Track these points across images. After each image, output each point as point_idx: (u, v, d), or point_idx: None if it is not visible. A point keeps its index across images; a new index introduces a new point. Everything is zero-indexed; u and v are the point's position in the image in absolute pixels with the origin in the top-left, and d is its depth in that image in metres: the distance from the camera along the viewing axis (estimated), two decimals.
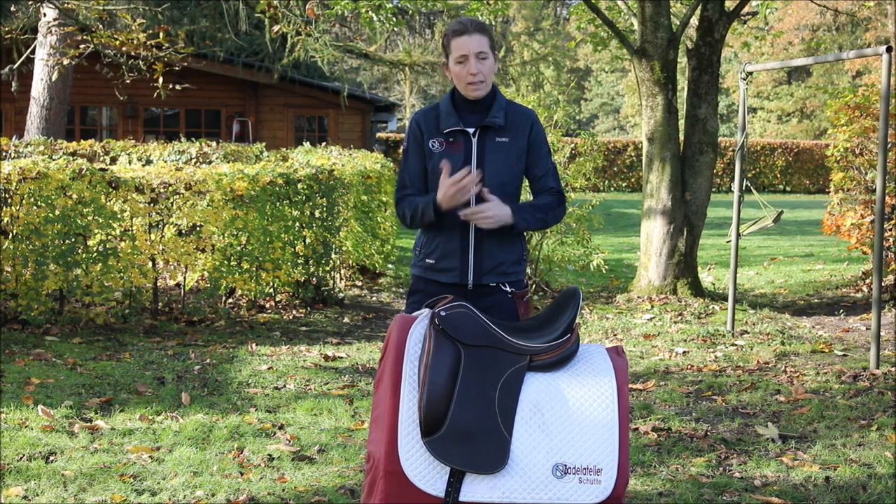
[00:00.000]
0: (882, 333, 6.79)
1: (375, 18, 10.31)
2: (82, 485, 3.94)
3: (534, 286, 9.22)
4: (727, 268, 9.77)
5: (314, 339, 7.25)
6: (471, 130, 3.31)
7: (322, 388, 5.69)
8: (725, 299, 8.40)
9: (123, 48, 9.88)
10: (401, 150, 3.53)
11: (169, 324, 7.45)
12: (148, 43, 9.79)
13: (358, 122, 22.17)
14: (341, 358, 6.56)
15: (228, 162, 12.02)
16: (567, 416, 2.76)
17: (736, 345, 7.09)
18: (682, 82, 11.07)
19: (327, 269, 8.53)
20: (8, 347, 6.47)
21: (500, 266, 3.32)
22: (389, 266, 10.87)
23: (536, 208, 3.33)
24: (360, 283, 9.86)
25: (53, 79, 13.68)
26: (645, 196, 9.08)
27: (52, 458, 4.28)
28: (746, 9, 10.53)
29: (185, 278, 7.83)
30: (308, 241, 8.20)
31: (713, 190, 10.03)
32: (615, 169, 27.54)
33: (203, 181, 7.47)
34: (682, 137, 9.14)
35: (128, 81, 10.57)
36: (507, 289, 3.33)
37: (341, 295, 8.85)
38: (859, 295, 9.50)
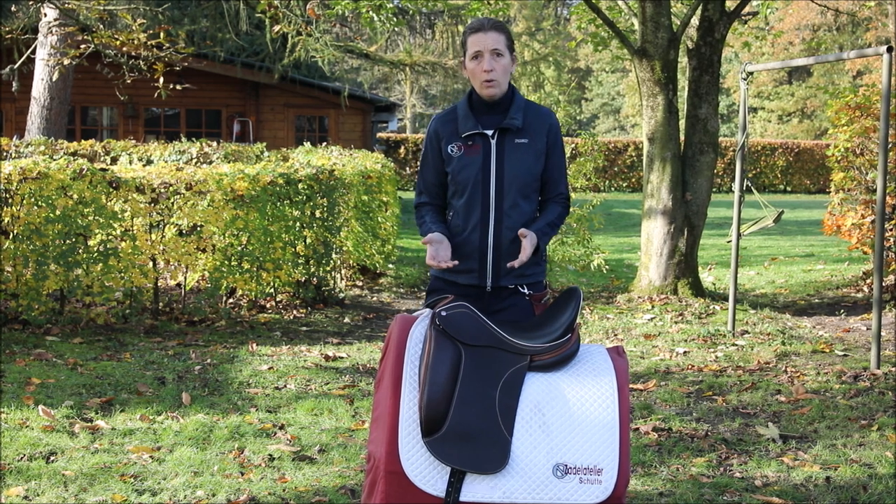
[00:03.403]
0: (882, 333, 6.79)
1: (376, 18, 10.31)
2: (83, 485, 3.94)
3: None
4: (728, 268, 9.77)
5: (315, 340, 7.25)
6: (489, 133, 3.29)
7: (323, 388, 5.69)
8: (726, 299, 8.40)
9: (124, 48, 9.89)
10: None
11: (169, 324, 7.45)
12: (148, 43, 9.80)
13: (358, 122, 22.16)
14: (342, 358, 6.56)
15: (229, 162, 12.03)
16: (568, 417, 2.76)
17: (736, 345, 7.09)
18: (683, 82, 11.06)
19: (328, 269, 8.53)
20: (8, 347, 6.47)
21: (520, 268, 3.31)
22: (390, 266, 10.87)
23: (552, 225, 3.36)
24: (360, 283, 9.87)
25: (54, 79, 13.68)
26: (645, 196, 9.08)
27: (52, 458, 4.28)
28: (747, 9, 10.53)
29: (185, 278, 7.83)
30: (309, 241, 8.20)
31: (714, 190, 10.03)
32: (616, 169, 27.54)
33: (204, 181, 7.47)
34: (682, 137, 9.14)
35: (128, 81, 10.58)
36: (525, 291, 3.32)
37: (342, 295, 8.85)
38: (860, 295, 9.50)
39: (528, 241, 3.20)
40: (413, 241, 13.43)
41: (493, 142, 3.28)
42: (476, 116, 3.31)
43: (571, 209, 9.40)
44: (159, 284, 7.83)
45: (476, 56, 3.27)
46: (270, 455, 4.39)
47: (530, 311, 3.32)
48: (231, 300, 8.17)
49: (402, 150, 26.43)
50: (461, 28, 22.48)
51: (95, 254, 7.10)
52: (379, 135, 26.29)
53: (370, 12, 10.20)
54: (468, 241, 3.30)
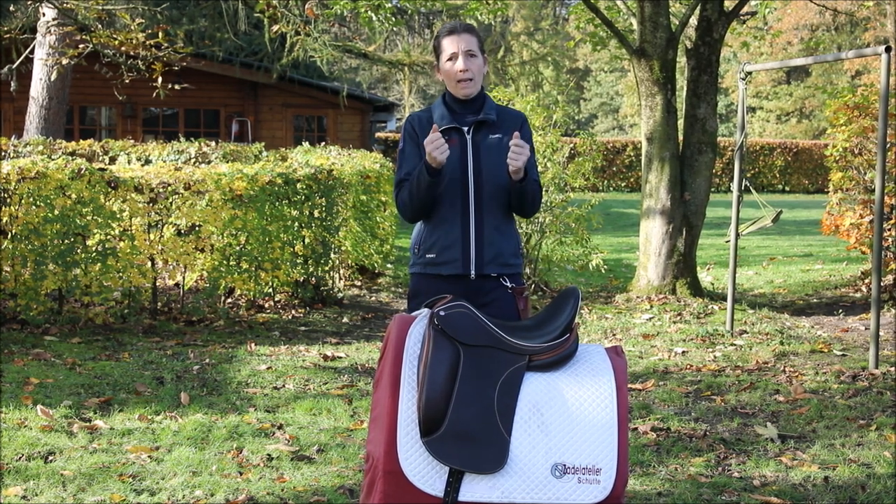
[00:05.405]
0: (881, 333, 6.80)
1: (374, 18, 10.31)
2: (81, 485, 3.94)
3: (533, 286, 9.22)
4: (726, 268, 9.78)
5: (313, 339, 7.25)
6: (465, 128, 3.40)
7: (321, 388, 5.69)
8: (724, 299, 8.40)
9: (122, 48, 9.87)
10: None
11: (168, 324, 7.44)
12: (147, 43, 9.78)
13: (357, 121, 22.16)
14: (340, 358, 6.56)
15: (227, 162, 12.01)
16: (566, 416, 2.76)
17: (735, 345, 7.09)
18: (682, 82, 11.07)
19: (326, 268, 8.52)
20: (7, 347, 6.47)
21: (501, 256, 3.39)
22: (388, 266, 10.86)
23: (537, 183, 3.45)
24: (359, 283, 9.86)
25: (52, 78, 13.66)
26: (644, 196, 9.08)
27: (51, 457, 4.28)
28: (745, 9, 10.53)
29: (184, 278, 7.83)
30: (307, 240, 8.20)
31: (712, 190, 10.02)
32: (614, 169, 27.53)
33: (202, 181, 7.47)
34: (681, 137, 9.14)
35: (127, 81, 10.56)
36: (507, 284, 3.38)
37: (340, 295, 8.84)
38: (858, 295, 9.50)
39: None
40: (410, 240, 13.41)
41: (469, 136, 3.40)
42: (451, 115, 3.44)
43: (570, 209, 9.47)
44: (158, 284, 7.82)
45: (451, 58, 3.39)
46: (269, 455, 4.39)
47: (513, 305, 3.39)
48: (229, 300, 8.16)
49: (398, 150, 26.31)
50: None
51: (94, 253, 7.10)
52: (377, 134, 26.29)
53: (369, 12, 10.20)
54: (449, 231, 3.38)
